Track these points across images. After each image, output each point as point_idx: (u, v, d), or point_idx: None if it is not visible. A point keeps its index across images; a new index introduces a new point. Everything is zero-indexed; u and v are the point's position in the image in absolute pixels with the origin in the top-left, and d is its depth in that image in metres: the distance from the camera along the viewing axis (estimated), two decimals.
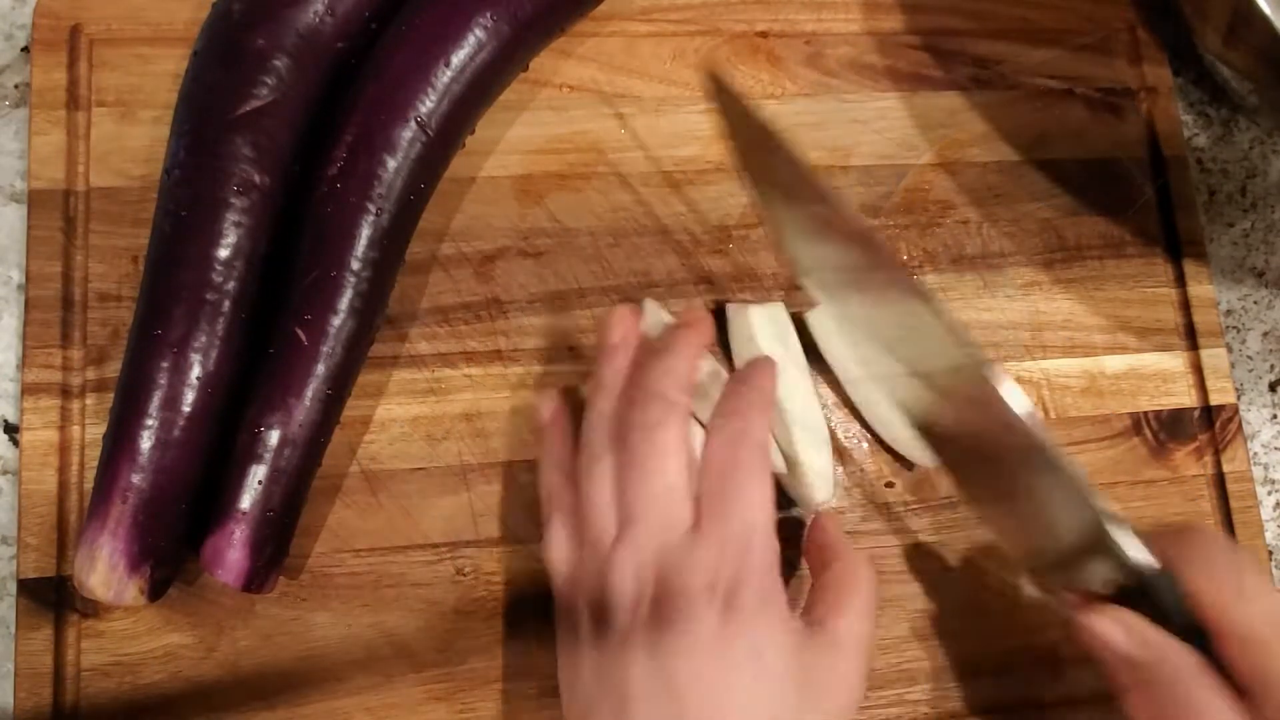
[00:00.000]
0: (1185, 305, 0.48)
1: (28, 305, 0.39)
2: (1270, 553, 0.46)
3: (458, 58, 0.37)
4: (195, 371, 0.34)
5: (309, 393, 0.35)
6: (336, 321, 0.36)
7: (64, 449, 0.38)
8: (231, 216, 0.34)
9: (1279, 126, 0.49)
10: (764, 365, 0.36)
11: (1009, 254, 0.47)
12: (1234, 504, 0.46)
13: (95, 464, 0.38)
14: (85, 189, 0.41)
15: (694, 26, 0.47)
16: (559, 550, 0.34)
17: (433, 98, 0.37)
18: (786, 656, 0.31)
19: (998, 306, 0.46)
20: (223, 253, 0.35)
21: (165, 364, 0.34)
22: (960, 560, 0.43)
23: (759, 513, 0.32)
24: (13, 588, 0.38)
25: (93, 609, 0.37)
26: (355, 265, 0.36)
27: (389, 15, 0.38)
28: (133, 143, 0.41)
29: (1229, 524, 0.46)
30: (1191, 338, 0.48)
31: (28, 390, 0.39)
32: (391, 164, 0.36)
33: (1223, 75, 0.49)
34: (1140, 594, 0.32)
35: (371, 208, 0.36)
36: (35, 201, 0.40)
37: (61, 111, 0.41)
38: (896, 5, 0.49)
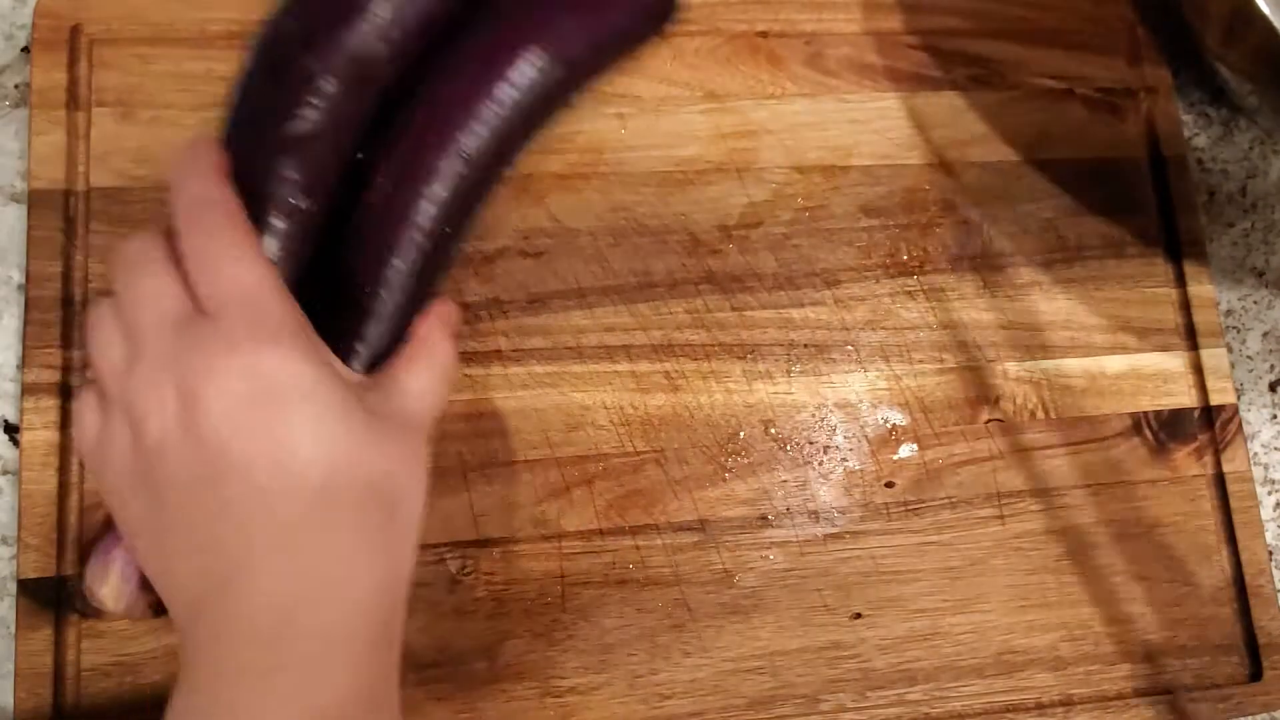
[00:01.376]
0: (1185, 305, 0.48)
1: (28, 305, 0.39)
2: (1270, 553, 0.46)
3: (505, 94, 0.37)
4: None
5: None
6: (367, 351, 0.35)
7: (64, 449, 0.38)
8: (273, 242, 0.34)
9: (1279, 126, 0.49)
10: (193, 145, 0.32)
11: (1009, 254, 0.47)
12: (1234, 504, 0.46)
13: None
14: (85, 189, 0.41)
15: (694, 26, 0.47)
16: (85, 422, 0.31)
17: (480, 132, 0.37)
18: (344, 394, 0.29)
19: (998, 306, 0.47)
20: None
21: None
22: (961, 560, 0.43)
23: (249, 272, 0.29)
24: (13, 588, 0.38)
25: (95, 613, 0.37)
26: (391, 293, 0.36)
27: (440, 44, 0.38)
28: (133, 143, 0.41)
29: (1229, 524, 0.46)
30: (1191, 338, 0.48)
31: (28, 390, 0.39)
32: (434, 194, 0.36)
33: (1223, 75, 0.49)
34: None
35: (412, 237, 0.36)
36: (35, 201, 0.40)
37: (61, 111, 0.41)
38: (896, 5, 0.49)
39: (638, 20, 0.43)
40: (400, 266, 0.36)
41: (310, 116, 0.35)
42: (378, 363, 0.35)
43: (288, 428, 0.28)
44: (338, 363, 0.31)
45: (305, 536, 0.28)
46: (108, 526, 0.34)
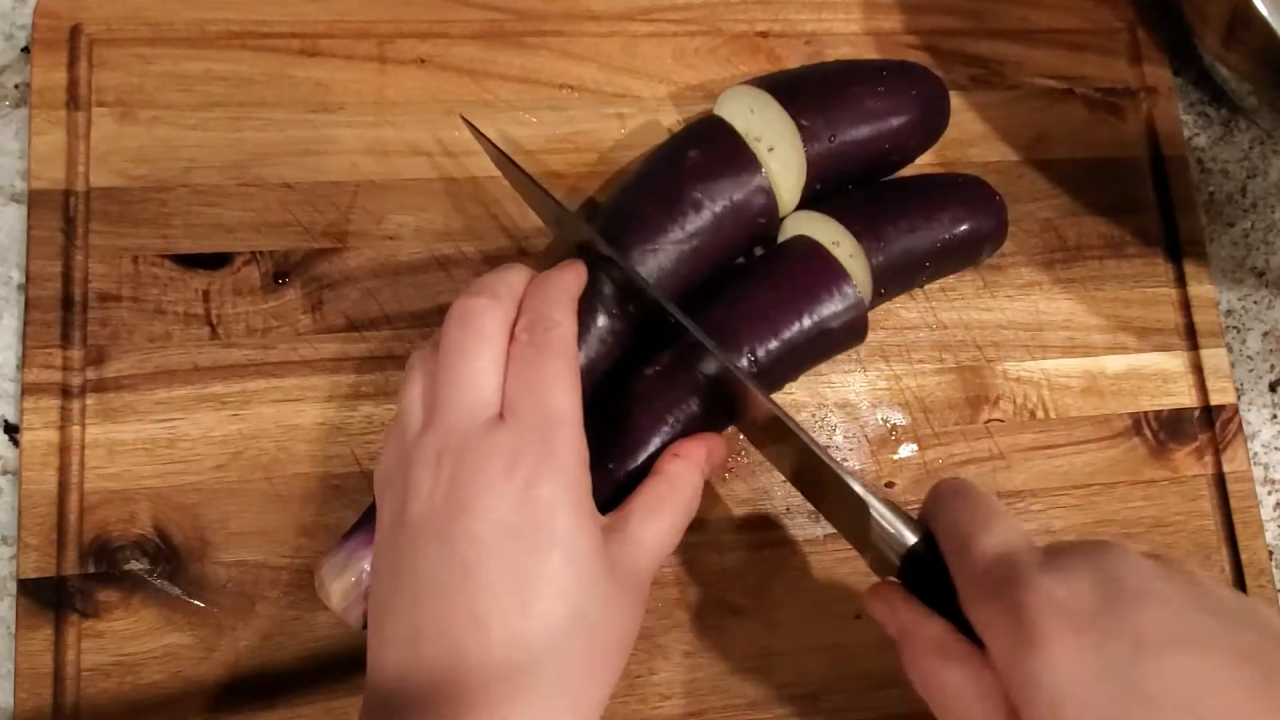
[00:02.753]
0: (1185, 305, 0.48)
1: (28, 305, 0.39)
2: (1270, 553, 0.46)
3: (789, 325, 0.39)
4: None
5: None
6: (607, 489, 0.36)
7: (64, 449, 0.38)
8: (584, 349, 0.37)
9: (1279, 126, 0.49)
10: (569, 265, 0.35)
11: (1009, 254, 0.47)
12: (1234, 504, 0.46)
13: (95, 464, 0.38)
14: (85, 189, 0.41)
15: (694, 26, 0.47)
16: (383, 460, 0.33)
17: (770, 343, 0.38)
18: (594, 548, 0.30)
19: (998, 306, 0.47)
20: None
21: None
22: None
23: (562, 403, 0.30)
24: (13, 588, 0.38)
25: (94, 610, 0.37)
26: (633, 468, 0.37)
27: (750, 262, 0.42)
28: (133, 143, 0.41)
29: (1229, 524, 0.46)
30: (1192, 338, 0.48)
31: (28, 390, 0.39)
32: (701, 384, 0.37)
33: (1222, 75, 0.49)
34: (923, 564, 0.32)
35: (670, 419, 0.37)
36: (35, 201, 0.40)
37: (61, 111, 0.41)
38: (896, 5, 0.49)
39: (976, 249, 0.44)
40: (657, 442, 0.37)
41: (677, 238, 0.38)
42: (615, 497, 0.35)
43: (536, 571, 0.29)
44: (591, 503, 0.31)
45: (521, 678, 0.28)
46: (362, 523, 0.34)
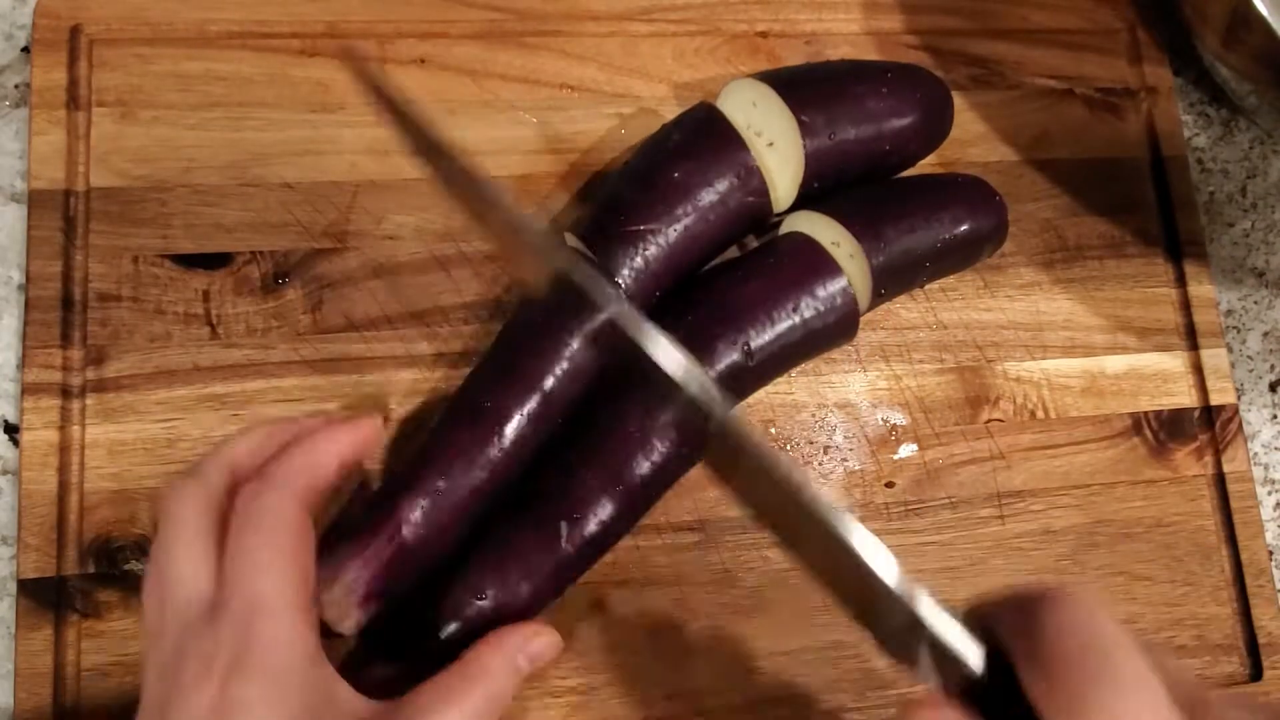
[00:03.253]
0: (1185, 305, 0.48)
1: (28, 305, 0.39)
2: (1270, 553, 0.46)
3: (780, 318, 0.39)
4: (496, 449, 0.35)
5: (529, 585, 0.35)
6: (595, 528, 0.36)
7: (64, 449, 0.38)
8: (560, 364, 0.36)
9: (1279, 127, 0.49)
10: (328, 432, 0.32)
11: (1009, 254, 0.47)
12: (1234, 504, 0.46)
13: (95, 464, 0.38)
14: (85, 189, 0.41)
15: (694, 26, 0.47)
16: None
17: (763, 335, 0.38)
18: None
19: (998, 306, 0.47)
20: (549, 381, 0.36)
21: (477, 434, 0.35)
22: (961, 560, 0.43)
23: (272, 582, 0.28)
24: (13, 588, 0.38)
25: (94, 610, 0.37)
26: (633, 483, 0.36)
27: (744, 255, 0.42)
28: (133, 143, 0.41)
29: (1229, 524, 0.46)
30: (1192, 338, 0.48)
31: (28, 390, 0.39)
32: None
33: (1222, 75, 0.49)
34: (991, 687, 0.25)
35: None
36: (35, 201, 0.40)
37: (61, 111, 0.41)
38: (896, 5, 0.49)
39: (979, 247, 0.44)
40: (644, 466, 0.37)
41: (663, 218, 0.38)
42: (595, 541, 0.34)
43: None
44: (344, 690, 0.29)
45: None
46: (350, 537, 0.34)
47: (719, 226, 0.39)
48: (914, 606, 0.26)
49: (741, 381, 0.39)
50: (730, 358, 0.38)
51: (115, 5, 0.42)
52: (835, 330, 0.40)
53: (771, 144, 0.40)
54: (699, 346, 0.38)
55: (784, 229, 0.42)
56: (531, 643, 0.32)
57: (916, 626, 0.26)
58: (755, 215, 0.40)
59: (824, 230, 0.41)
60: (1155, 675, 0.23)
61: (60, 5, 0.42)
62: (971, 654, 0.25)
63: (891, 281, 0.42)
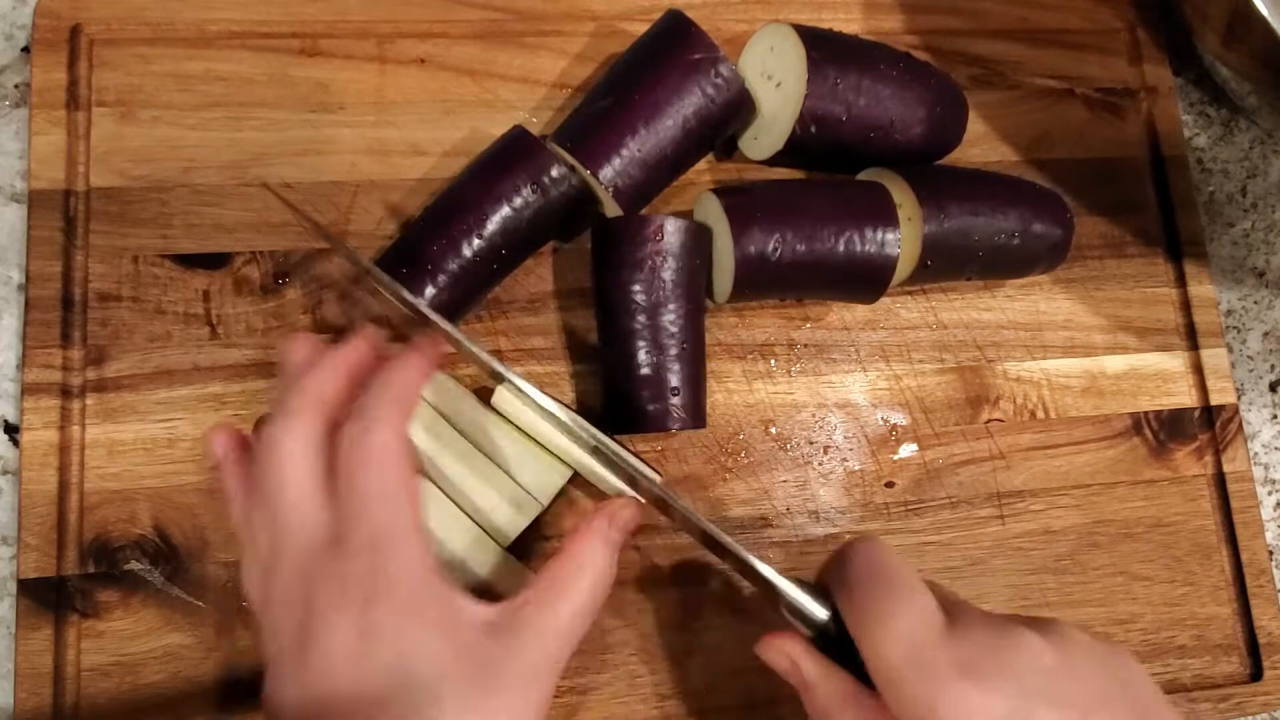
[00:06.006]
0: (1185, 305, 0.48)
1: (28, 305, 0.39)
2: (1270, 553, 0.46)
3: (820, 239, 0.41)
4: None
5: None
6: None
7: (64, 449, 0.38)
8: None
9: (1279, 126, 0.49)
10: (404, 361, 0.33)
11: None
12: (1234, 504, 0.46)
13: (95, 464, 0.38)
14: (85, 189, 0.41)
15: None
16: (247, 581, 0.32)
17: (801, 242, 0.40)
18: (445, 660, 0.29)
19: (998, 306, 0.47)
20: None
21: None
22: (961, 560, 0.43)
23: (391, 513, 0.29)
24: (13, 588, 0.38)
25: (94, 610, 0.37)
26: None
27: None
28: (133, 143, 0.41)
29: (1229, 524, 0.46)
30: (1192, 338, 0.48)
31: (28, 390, 0.39)
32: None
33: (1222, 75, 0.49)
34: (835, 637, 0.32)
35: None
36: (35, 201, 0.40)
37: (61, 111, 0.41)
38: (896, 5, 0.49)
39: None
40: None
41: None
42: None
43: (377, 707, 0.28)
44: (464, 599, 0.30)
45: None
46: None
47: (696, 128, 0.41)
48: (766, 573, 0.33)
49: (761, 278, 0.40)
50: (764, 246, 0.40)
51: (115, 5, 0.42)
52: (864, 277, 0.41)
53: (780, 84, 0.42)
54: (739, 222, 0.40)
55: (861, 177, 0.44)
56: (617, 517, 0.34)
57: (763, 583, 0.33)
58: (725, 118, 0.41)
59: (895, 188, 0.42)
60: (923, 585, 0.30)
61: (60, 5, 0.42)
62: (816, 608, 0.32)
63: (940, 257, 0.42)
